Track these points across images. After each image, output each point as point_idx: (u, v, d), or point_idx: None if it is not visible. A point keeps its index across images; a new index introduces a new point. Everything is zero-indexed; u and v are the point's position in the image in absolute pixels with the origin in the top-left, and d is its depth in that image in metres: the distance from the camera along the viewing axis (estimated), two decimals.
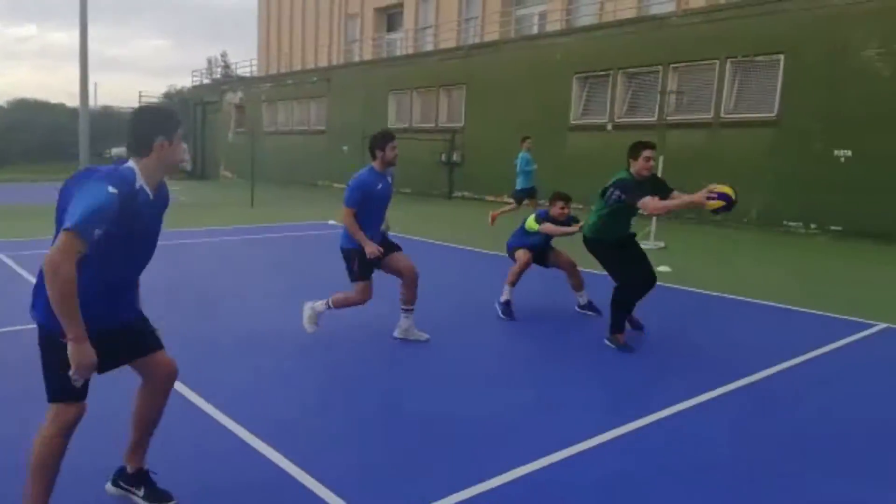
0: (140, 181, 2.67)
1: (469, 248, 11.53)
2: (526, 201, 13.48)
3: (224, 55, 52.72)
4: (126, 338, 2.83)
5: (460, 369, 5.20)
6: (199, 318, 6.48)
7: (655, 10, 19.66)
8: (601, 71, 18.46)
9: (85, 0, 16.77)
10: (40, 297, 2.54)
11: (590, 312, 6.79)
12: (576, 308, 6.89)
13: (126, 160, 2.72)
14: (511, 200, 13.94)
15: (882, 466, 3.63)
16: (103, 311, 2.65)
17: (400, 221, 14.65)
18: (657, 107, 16.99)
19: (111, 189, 2.52)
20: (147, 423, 2.99)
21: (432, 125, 24.32)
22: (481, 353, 5.64)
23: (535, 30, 24.16)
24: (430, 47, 27.59)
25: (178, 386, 4.06)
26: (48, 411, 2.64)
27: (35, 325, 2.65)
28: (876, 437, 4.00)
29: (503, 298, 6.70)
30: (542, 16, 24.24)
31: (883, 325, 6.52)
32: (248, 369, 4.96)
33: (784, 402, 4.57)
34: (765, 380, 4.92)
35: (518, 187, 13.57)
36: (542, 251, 6.95)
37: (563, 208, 6.81)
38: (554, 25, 22.94)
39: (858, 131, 13.37)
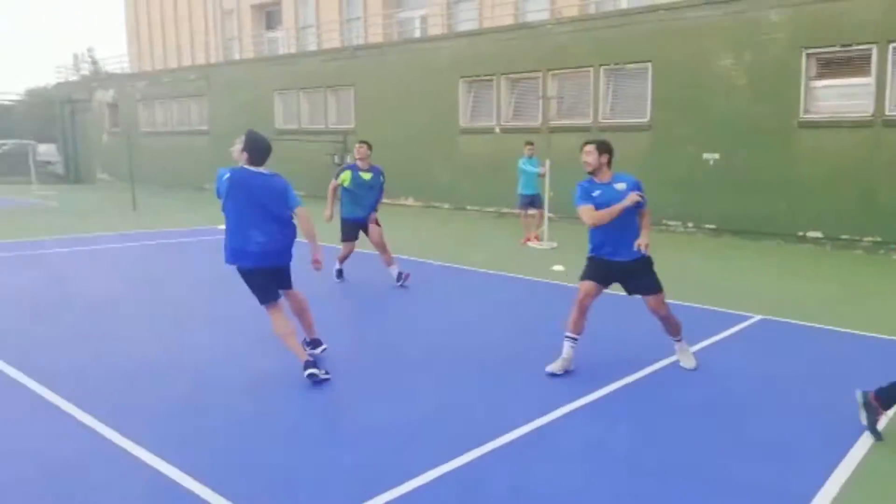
0: None
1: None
2: (530, 210, 13.07)
3: (91, 50, 49.54)
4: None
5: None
6: (87, 335, 6.39)
7: (531, 17, 20.63)
8: (485, 75, 19.16)
9: None
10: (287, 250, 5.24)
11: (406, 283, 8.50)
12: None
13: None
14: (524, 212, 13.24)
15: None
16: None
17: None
18: (540, 111, 17.89)
19: None
20: (301, 312, 5.50)
21: (322, 126, 24.21)
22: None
23: (417, 33, 24.60)
24: (313, 47, 27.37)
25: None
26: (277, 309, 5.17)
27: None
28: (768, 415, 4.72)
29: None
30: (424, 19, 24.73)
31: (758, 318, 7.24)
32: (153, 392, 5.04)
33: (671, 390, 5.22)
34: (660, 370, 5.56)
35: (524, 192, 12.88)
36: (364, 224, 8.67)
37: (359, 148, 8.52)
38: (436, 29, 23.48)
39: (724, 136, 14.69)
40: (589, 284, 5.32)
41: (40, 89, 46.94)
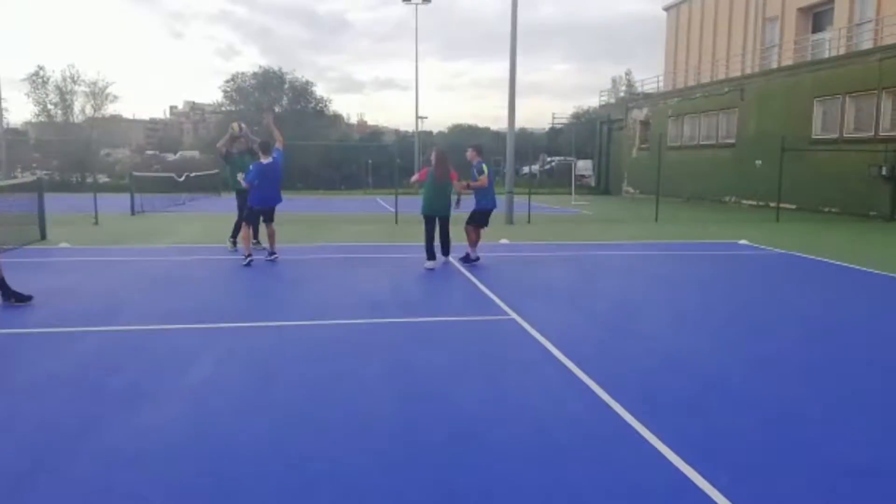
0: None
1: None
2: None
3: (628, 73, 53.78)
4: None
5: None
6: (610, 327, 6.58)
7: None
8: None
9: (515, 37, 18.68)
10: None
11: None
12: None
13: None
14: None
15: None
16: None
17: (830, 244, 13.03)
18: None
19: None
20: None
21: (870, 134, 20.95)
22: None
23: None
24: (868, 45, 23.87)
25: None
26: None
27: None
28: None
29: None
30: None
31: None
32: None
33: None
34: None
35: None
36: None
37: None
38: None
39: None
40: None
41: (584, 112, 53.22)
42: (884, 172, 19.80)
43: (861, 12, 25.95)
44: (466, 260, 10.30)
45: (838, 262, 10.98)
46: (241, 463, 3.55)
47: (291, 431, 3.97)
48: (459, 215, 10.60)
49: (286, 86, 47.59)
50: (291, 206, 22.76)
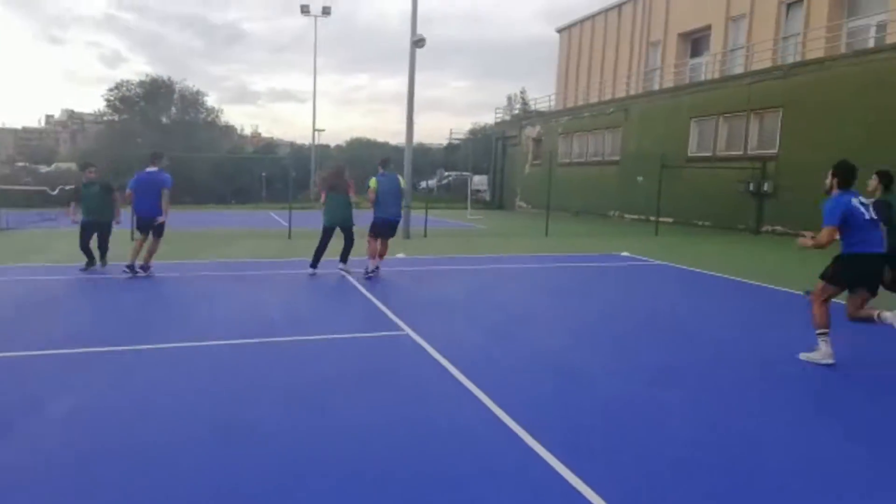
0: None
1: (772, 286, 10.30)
2: None
3: (523, 92, 55.34)
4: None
5: None
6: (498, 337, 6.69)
7: None
8: None
9: (414, 53, 18.79)
10: None
11: None
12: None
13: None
14: None
15: None
16: None
17: (702, 255, 13.97)
18: None
19: None
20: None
21: (739, 152, 22.56)
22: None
23: (871, 43, 21.14)
24: (739, 70, 25.79)
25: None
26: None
27: None
28: None
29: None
30: (881, 27, 21.12)
31: None
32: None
33: None
34: None
35: None
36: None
37: None
38: (894, 38, 19.84)
39: None
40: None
41: (480, 128, 54.30)
42: (751, 188, 21.34)
43: (734, 39, 27.98)
44: (365, 273, 10.30)
45: (708, 272, 11.74)
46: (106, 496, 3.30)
47: (167, 460, 3.74)
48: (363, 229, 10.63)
49: (175, 95, 45.70)
50: (178, 222, 21.73)
